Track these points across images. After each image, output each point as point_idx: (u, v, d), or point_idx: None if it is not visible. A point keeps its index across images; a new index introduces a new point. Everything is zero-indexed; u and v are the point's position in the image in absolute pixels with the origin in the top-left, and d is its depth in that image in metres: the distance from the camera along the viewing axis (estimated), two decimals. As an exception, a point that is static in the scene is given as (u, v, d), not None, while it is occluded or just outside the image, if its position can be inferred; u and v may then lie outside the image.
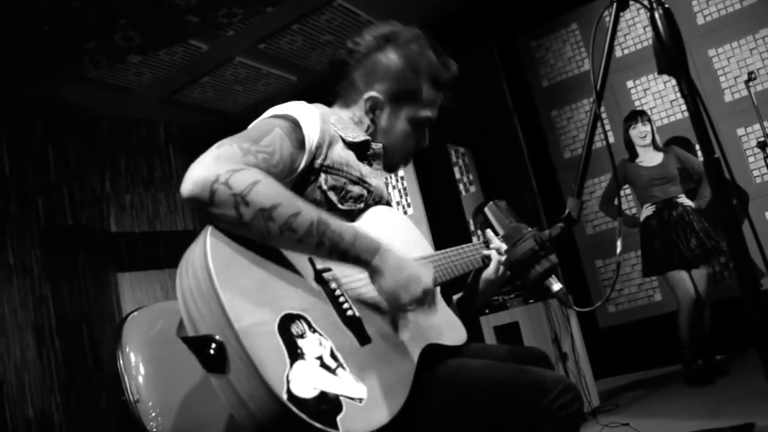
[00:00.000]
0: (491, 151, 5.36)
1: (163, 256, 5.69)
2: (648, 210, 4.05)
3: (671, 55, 1.18)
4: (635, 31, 5.02)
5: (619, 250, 1.37)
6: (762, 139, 3.95)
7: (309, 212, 1.08)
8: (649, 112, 4.59)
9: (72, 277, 4.85)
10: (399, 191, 4.92)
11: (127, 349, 1.23)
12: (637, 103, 4.98)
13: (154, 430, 1.18)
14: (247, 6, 4.42)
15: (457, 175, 5.53)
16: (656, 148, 4.15)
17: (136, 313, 1.32)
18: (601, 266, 5.10)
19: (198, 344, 0.96)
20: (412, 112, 1.42)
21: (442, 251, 1.44)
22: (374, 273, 1.15)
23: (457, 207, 4.92)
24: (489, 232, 1.52)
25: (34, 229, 4.80)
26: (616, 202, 4.51)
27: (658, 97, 4.93)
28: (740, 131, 4.60)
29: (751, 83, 3.95)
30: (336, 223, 1.11)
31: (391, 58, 1.40)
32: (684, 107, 1.16)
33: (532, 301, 3.73)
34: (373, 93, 1.40)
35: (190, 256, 1.03)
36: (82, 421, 4.57)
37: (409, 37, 1.42)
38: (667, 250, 3.88)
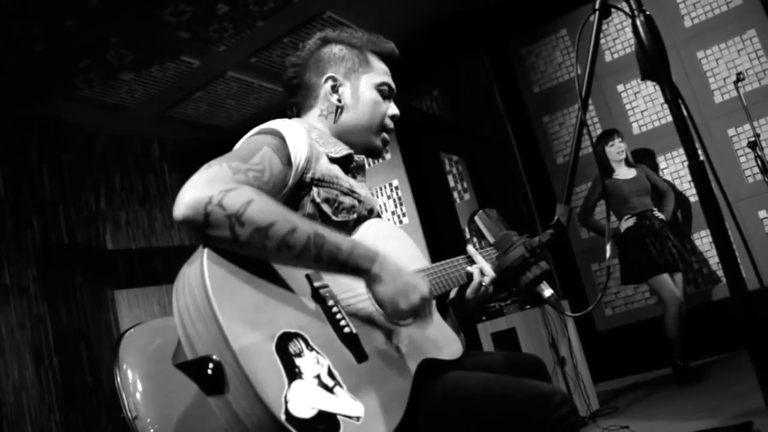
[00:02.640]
0: (485, 159, 5.38)
1: (159, 272, 5.69)
2: (629, 221, 4.19)
3: (654, 61, 1.20)
4: (624, 35, 5.05)
5: (608, 254, 1.39)
6: (752, 138, 3.98)
7: (305, 227, 1.08)
8: (639, 115, 4.63)
9: (69, 296, 4.84)
10: (393, 201, 4.93)
11: (125, 366, 1.24)
12: (627, 106, 5.00)
13: (153, 446, 1.18)
14: (237, 21, 4.44)
15: (451, 183, 5.54)
16: (628, 164, 4.34)
17: (133, 330, 1.32)
18: (597, 270, 5.11)
19: (195, 367, 0.95)
20: (370, 79, 1.51)
21: (432, 265, 1.44)
22: (373, 281, 1.15)
23: (452, 215, 4.93)
24: (471, 249, 1.52)
25: (30, 248, 4.79)
26: (603, 210, 4.56)
27: (648, 100, 4.96)
28: (731, 132, 4.63)
29: (739, 84, 3.99)
30: (332, 235, 1.11)
31: (332, 47, 1.54)
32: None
33: (528, 306, 3.74)
34: (329, 74, 1.49)
35: (187, 274, 1.02)
36: (82, 439, 4.55)
37: (339, 31, 1.58)
38: (651, 257, 4.02)
